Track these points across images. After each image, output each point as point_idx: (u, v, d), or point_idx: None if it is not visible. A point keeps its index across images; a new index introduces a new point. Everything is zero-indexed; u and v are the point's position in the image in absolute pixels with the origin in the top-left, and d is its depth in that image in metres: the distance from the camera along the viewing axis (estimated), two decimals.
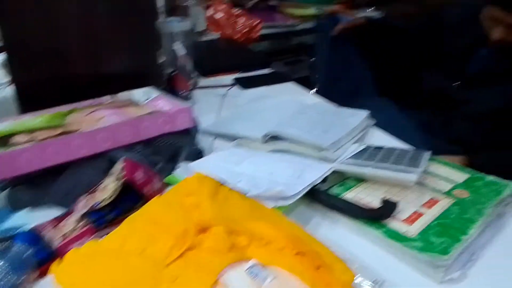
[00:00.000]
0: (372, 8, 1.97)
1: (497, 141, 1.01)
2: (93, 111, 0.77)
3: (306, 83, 1.28)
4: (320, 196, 0.63)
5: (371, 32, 1.42)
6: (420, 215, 0.59)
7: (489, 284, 0.51)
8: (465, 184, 0.67)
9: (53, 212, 0.60)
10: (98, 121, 0.72)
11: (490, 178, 0.68)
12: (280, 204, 0.58)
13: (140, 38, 0.92)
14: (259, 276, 0.42)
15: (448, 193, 0.65)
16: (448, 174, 0.70)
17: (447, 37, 1.18)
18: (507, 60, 1.03)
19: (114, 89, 0.86)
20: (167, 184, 0.66)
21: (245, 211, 0.53)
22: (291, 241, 0.47)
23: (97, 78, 0.88)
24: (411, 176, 0.63)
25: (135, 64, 0.91)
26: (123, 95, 0.84)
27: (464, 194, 0.64)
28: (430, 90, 1.20)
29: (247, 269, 0.43)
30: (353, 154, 0.75)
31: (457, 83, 1.13)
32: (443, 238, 0.54)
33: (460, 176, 0.69)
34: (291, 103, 1.01)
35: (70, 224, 0.56)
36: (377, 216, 0.58)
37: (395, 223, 0.58)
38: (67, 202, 0.61)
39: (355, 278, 0.44)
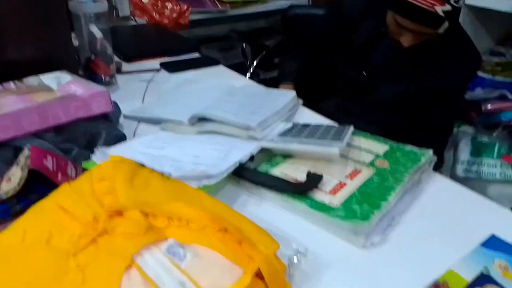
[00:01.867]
0: None
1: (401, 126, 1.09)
2: None
3: (240, 70, 1.27)
4: (246, 174, 0.62)
5: (294, 20, 1.46)
6: (343, 185, 0.60)
7: (408, 246, 0.53)
8: (385, 155, 0.69)
9: None
10: (0, 109, 0.65)
11: (408, 148, 0.71)
12: (204, 183, 0.56)
13: (48, 21, 0.84)
14: (178, 255, 0.40)
15: (370, 164, 0.67)
16: (370, 146, 0.72)
17: (350, 28, 1.23)
18: (403, 55, 1.11)
19: (20, 75, 0.78)
20: (85, 170, 0.61)
21: (166, 193, 0.51)
22: (212, 219, 0.45)
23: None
24: (334, 149, 0.64)
25: (44, 48, 0.83)
26: (31, 81, 0.76)
27: (384, 164, 0.67)
28: (345, 78, 1.25)
29: (165, 248, 0.41)
30: (280, 132, 0.75)
31: (364, 73, 1.20)
32: (364, 205, 0.56)
33: (381, 148, 0.72)
34: (219, 87, 0.99)
35: None
36: (303, 189, 0.58)
37: (320, 195, 0.58)
38: None
39: (278, 249, 0.44)
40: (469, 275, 0.48)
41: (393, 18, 1.05)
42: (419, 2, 0.97)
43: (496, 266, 0.50)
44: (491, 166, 1.37)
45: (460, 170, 1.44)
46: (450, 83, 1.10)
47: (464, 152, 1.42)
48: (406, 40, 1.05)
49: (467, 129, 1.51)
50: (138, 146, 0.69)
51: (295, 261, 0.47)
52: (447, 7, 0.96)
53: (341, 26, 1.27)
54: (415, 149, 0.71)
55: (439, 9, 0.96)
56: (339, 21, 1.29)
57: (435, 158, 0.69)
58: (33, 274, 0.39)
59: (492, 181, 1.39)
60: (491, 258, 0.51)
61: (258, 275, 0.42)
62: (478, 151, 1.42)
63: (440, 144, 1.16)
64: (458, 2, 0.98)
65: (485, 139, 1.42)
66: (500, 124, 1.41)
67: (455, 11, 0.99)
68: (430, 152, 0.69)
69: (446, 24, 0.99)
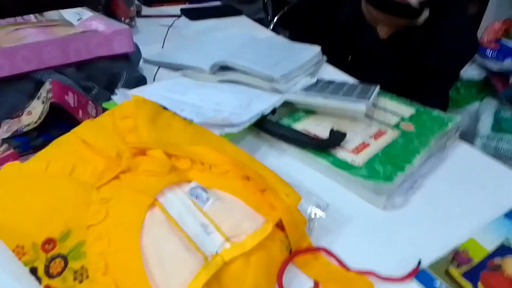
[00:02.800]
0: None
1: None
2: (16, 30, 0.67)
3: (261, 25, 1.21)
4: (268, 126, 0.61)
5: None
6: (367, 145, 0.59)
7: (429, 210, 0.52)
8: (411, 118, 0.67)
9: None
10: (20, 40, 0.63)
11: (436, 112, 0.69)
12: (226, 131, 0.55)
13: None
14: (200, 197, 0.39)
15: (395, 126, 0.65)
16: (396, 108, 0.70)
17: (332, 9, 1.11)
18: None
19: (41, 9, 0.76)
20: (105, 111, 0.60)
21: (188, 136, 0.50)
22: (235, 165, 0.44)
23: None
24: (361, 106, 0.61)
25: None
26: (51, 14, 0.74)
27: (410, 127, 0.65)
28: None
29: (188, 190, 0.40)
30: (304, 86, 0.73)
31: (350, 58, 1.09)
32: (387, 166, 0.54)
33: (407, 110, 0.69)
34: (241, 36, 0.96)
35: None
36: (325, 145, 0.57)
37: (343, 153, 0.57)
38: None
39: (300, 201, 0.43)
40: (490, 245, 0.47)
41: (366, 9, 0.94)
42: None
43: None
44: (511, 143, 1.34)
45: (478, 144, 1.41)
46: (442, 64, 0.98)
47: (485, 126, 1.38)
48: (382, 31, 0.94)
49: (491, 102, 1.46)
50: (159, 89, 0.67)
51: (315, 215, 0.46)
52: None
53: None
54: (442, 113, 0.68)
55: (413, 1, 0.83)
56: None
57: (462, 125, 0.67)
58: (56, 203, 0.38)
59: (511, 159, 1.37)
60: None
61: (279, 225, 0.41)
62: (499, 126, 1.38)
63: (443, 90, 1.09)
64: None
65: (508, 114, 1.37)
66: None
67: None
68: (457, 117, 0.67)
69: (426, 13, 0.87)
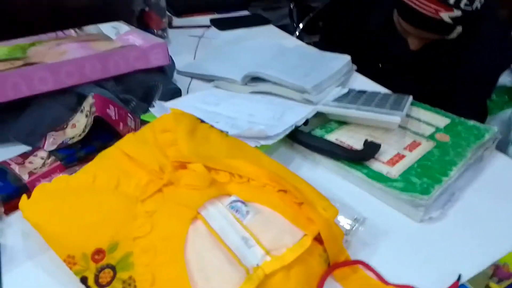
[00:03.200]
0: None
1: None
2: (58, 45, 0.70)
3: (285, 31, 1.22)
4: (302, 137, 0.61)
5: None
6: (402, 157, 0.59)
7: (467, 223, 0.51)
8: (446, 129, 0.66)
9: (18, 149, 0.55)
10: (62, 54, 0.66)
11: (471, 123, 0.68)
12: (261, 143, 0.56)
13: None
14: (240, 211, 0.40)
15: (430, 137, 0.64)
16: (430, 118, 0.69)
17: (363, 17, 1.08)
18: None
19: (77, 23, 0.79)
20: (144, 123, 0.62)
21: (225, 149, 0.51)
22: (272, 178, 0.45)
23: (59, 10, 0.80)
24: (395, 118, 0.61)
25: None
26: (90, 29, 0.77)
27: (445, 138, 0.64)
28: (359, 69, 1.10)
29: (228, 204, 0.41)
30: (335, 97, 0.73)
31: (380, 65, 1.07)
32: (424, 179, 0.54)
33: (442, 121, 0.68)
34: (270, 46, 0.97)
35: (37, 161, 0.52)
36: (360, 157, 0.57)
37: (377, 165, 0.57)
38: (32, 138, 0.57)
39: (337, 215, 0.43)
40: None
41: (397, 20, 0.93)
42: (421, 7, 0.82)
43: None
44: None
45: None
46: (478, 73, 0.95)
47: None
48: (413, 43, 0.93)
49: None
50: (193, 101, 0.69)
51: (352, 228, 0.47)
52: (456, 13, 0.81)
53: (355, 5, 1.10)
54: (479, 124, 0.67)
55: (445, 15, 0.81)
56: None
57: (499, 136, 0.65)
58: (104, 216, 0.40)
59: None
60: None
61: (317, 238, 0.42)
62: None
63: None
64: (472, 5, 0.81)
65: None
66: None
67: (471, 15, 0.83)
68: (494, 128, 0.66)
69: (459, 29, 0.85)
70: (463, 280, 0.43)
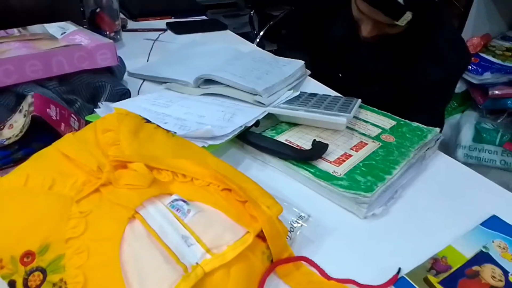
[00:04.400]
0: None
1: None
2: None
3: (246, 39, 1.23)
4: (252, 138, 0.62)
5: None
6: (348, 156, 0.60)
7: (409, 219, 0.53)
8: (391, 130, 0.69)
9: None
10: (3, 53, 0.63)
11: (415, 124, 0.70)
12: (209, 143, 0.55)
13: None
14: (181, 210, 0.40)
15: (375, 138, 0.66)
16: (377, 120, 0.72)
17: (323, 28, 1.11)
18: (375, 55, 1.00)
19: (23, 23, 0.76)
20: (88, 123, 0.60)
21: (171, 149, 0.50)
22: (217, 178, 0.45)
23: (4, 10, 0.77)
24: (342, 119, 0.63)
25: None
26: (34, 28, 0.74)
27: (390, 138, 0.66)
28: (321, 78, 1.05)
29: (169, 203, 0.40)
30: (287, 99, 0.74)
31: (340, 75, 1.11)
32: (368, 177, 0.55)
33: (388, 123, 0.71)
34: (226, 50, 0.97)
35: None
36: (308, 156, 0.58)
37: (324, 164, 0.58)
38: None
39: (281, 212, 0.43)
40: (469, 252, 0.48)
41: (354, 2, 0.94)
42: None
43: (496, 246, 0.50)
44: (492, 153, 1.37)
45: (461, 154, 1.44)
46: (430, 83, 0.99)
47: (467, 137, 1.41)
48: (365, 29, 0.93)
49: (472, 114, 1.50)
50: (143, 103, 0.68)
51: (297, 225, 0.47)
52: None
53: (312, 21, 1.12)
54: (422, 126, 0.70)
55: None
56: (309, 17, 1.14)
57: (441, 136, 0.68)
58: (35, 218, 0.38)
59: (492, 168, 1.40)
60: (490, 238, 0.51)
61: (260, 236, 0.42)
62: (480, 136, 1.41)
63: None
64: None
65: (488, 125, 1.41)
66: (506, 110, 1.40)
67: (425, 2, 0.86)
68: (436, 129, 0.69)
69: (408, 16, 0.85)
70: (402, 273, 0.44)
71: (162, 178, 0.44)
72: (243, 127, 0.62)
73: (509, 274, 0.46)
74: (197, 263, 0.36)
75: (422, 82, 0.99)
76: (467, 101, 1.51)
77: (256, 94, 0.72)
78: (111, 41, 0.68)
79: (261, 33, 2.21)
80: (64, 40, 0.68)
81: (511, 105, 1.39)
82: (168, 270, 0.35)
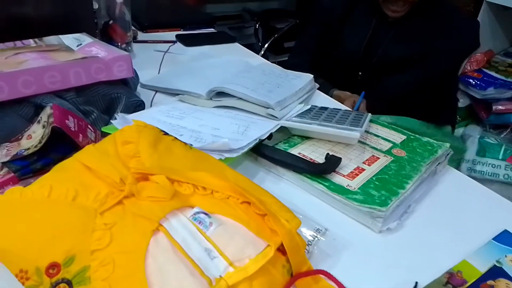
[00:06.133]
0: None
1: None
2: (16, 54, 0.68)
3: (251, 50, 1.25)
4: (266, 151, 0.62)
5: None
6: (361, 170, 0.61)
7: (422, 234, 0.54)
8: (402, 144, 0.69)
9: None
10: (21, 64, 0.64)
11: (425, 139, 0.71)
12: (225, 156, 0.56)
13: None
14: (203, 222, 0.40)
15: (387, 152, 0.67)
16: (387, 135, 0.72)
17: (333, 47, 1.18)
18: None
19: (37, 33, 0.77)
20: (104, 135, 0.61)
21: (189, 162, 0.51)
22: (236, 190, 0.45)
23: (18, 19, 0.78)
24: (355, 134, 0.64)
25: (63, 7, 0.82)
26: (50, 39, 0.75)
27: (401, 153, 0.67)
28: (341, 81, 1.19)
29: (191, 215, 0.41)
30: (298, 113, 0.75)
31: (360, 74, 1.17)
32: (382, 191, 0.56)
33: (398, 137, 0.72)
34: (236, 63, 0.98)
35: None
36: (322, 170, 0.58)
37: (338, 178, 0.58)
38: None
39: (300, 225, 0.44)
40: (483, 267, 0.49)
41: None
42: None
43: (508, 260, 0.51)
44: (495, 167, 1.38)
45: (464, 168, 1.45)
46: (447, 64, 1.10)
47: (470, 151, 1.42)
48: (398, 7, 1.04)
49: (475, 128, 1.52)
50: (157, 114, 0.68)
51: (314, 239, 0.47)
52: None
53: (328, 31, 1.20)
54: (432, 141, 0.71)
55: None
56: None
57: (451, 151, 0.69)
58: (59, 229, 0.38)
59: (495, 182, 1.40)
60: (503, 252, 0.52)
61: (280, 249, 0.42)
62: (483, 151, 1.42)
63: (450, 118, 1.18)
64: None
65: (492, 139, 1.42)
66: (509, 125, 1.42)
67: None
68: (447, 144, 0.70)
69: None
70: (419, 287, 0.45)
71: (183, 191, 0.44)
72: (258, 140, 0.62)
73: None
74: (220, 276, 0.36)
75: (440, 65, 1.08)
76: (471, 115, 1.53)
77: (268, 107, 0.73)
78: (127, 53, 0.69)
79: (266, 45, 2.23)
80: (81, 52, 0.69)
81: None
82: (194, 283, 0.35)
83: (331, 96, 1.04)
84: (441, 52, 1.07)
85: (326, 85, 1.11)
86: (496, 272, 0.49)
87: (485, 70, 1.51)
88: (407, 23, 1.07)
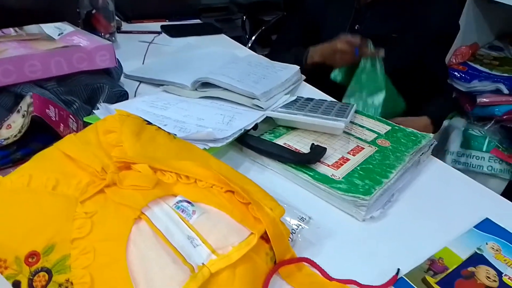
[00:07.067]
0: None
1: None
2: None
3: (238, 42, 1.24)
4: (251, 141, 0.62)
5: None
6: (346, 160, 0.61)
7: (405, 222, 0.54)
8: (387, 135, 0.70)
9: None
10: (0, 53, 0.62)
11: (409, 129, 0.72)
12: (210, 146, 0.56)
13: None
14: (186, 211, 0.40)
15: (371, 142, 0.67)
16: (372, 125, 0.73)
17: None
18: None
19: (19, 22, 0.75)
20: (87, 125, 0.60)
21: (173, 151, 0.50)
22: (220, 179, 0.45)
23: None
24: (340, 124, 0.64)
25: None
26: (31, 28, 0.74)
27: (386, 143, 0.67)
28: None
29: (174, 204, 0.40)
30: (284, 104, 0.75)
31: None
32: (366, 181, 0.56)
33: (383, 128, 0.72)
34: (222, 54, 0.97)
35: None
36: (307, 160, 0.58)
37: (323, 168, 0.59)
38: None
39: (284, 214, 0.44)
40: (464, 254, 0.50)
41: None
42: None
43: (489, 247, 0.51)
44: (479, 159, 1.40)
45: (448, 160, 1.47)
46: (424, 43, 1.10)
47: (455, 143, 1.44)
48: None
49: (460, 121, 1.54)
50: (141, 105, 0.68)
51: (298, 228, 0.48)
52: None
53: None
54: (415, 131, 0.71)
55: None
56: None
57: (435, 142, 0.70)
58: (39, 218, 0.38)
59: (479, 174, 1.43)
60: (484, 240, 0.52)
61: (263, 237, 0.42)
62: (468, 143, 1.44)
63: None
64: None
65: (476, 131, 1.44)
66: (493, 117, 1.44)
67: None
68: (430, 135, 0.70)
69: None
70: (401, 274, 0.45)
71: (166, 180, 0.44)
72: (243, 130, 0.62)
73: (503, 275, 0.47)
74: (203, 264, 0.36)
75: (424, 38, 1.08)
76: (456, 108, 1.55)
77: (254, 98, 0.72)
78: (110, 42, 0.68)
79: (253, 37, 2.22)
80: (62, 41, 0.68)
81: (498, 113, 1.43)
82: (176, 270, 0.35)
83: (311, 58, 1.06)
84: (418, 30, 1.07)
85: (300, 51, 1.11)
86: (477, 259, 0.50)
87: (470, 63, 1.53)
88: (386, 2, 1.08)
